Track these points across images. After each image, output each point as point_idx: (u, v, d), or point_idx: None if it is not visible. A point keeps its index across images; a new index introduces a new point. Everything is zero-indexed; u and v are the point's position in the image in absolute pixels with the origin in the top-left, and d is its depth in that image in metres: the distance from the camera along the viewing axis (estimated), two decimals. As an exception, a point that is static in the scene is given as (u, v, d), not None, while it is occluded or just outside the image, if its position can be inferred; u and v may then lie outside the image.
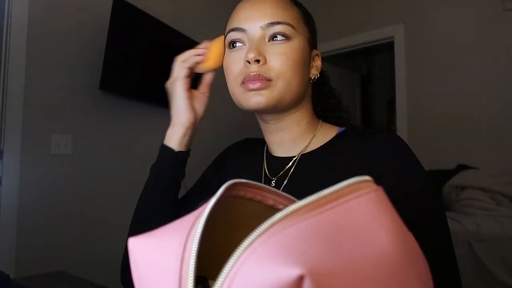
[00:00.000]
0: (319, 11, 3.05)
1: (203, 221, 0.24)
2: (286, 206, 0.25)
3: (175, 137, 0.69)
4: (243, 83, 0.61)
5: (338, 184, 0.26)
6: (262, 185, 0.32)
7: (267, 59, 0.60)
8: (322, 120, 0.72)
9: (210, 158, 0.85)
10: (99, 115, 2.10)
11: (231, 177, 0.31)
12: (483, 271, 1.83)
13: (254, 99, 0.60)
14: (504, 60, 2.48)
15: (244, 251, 0.20)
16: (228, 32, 0.65)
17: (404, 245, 0.25)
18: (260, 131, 0.73)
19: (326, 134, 0.68)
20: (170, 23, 2.34)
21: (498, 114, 2.48)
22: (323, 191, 0.25)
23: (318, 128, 0.69)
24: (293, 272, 0.19)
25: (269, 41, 0.61)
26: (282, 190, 0.42)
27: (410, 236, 0.27)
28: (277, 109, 0.64)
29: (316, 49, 0.69)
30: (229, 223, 0.32)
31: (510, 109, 2.43)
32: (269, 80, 0.60)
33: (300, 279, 0.19)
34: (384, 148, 0.58)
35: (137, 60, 2.21)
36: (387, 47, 3.20)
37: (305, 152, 0.66)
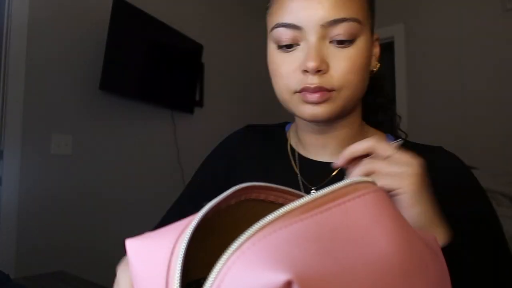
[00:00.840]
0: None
1: (194, 225, 0.23)
2: None
3: None
4: (299, 92, 0.50)
5: (335, 185, 0.25)
6: (277, 186, 0.30)
7: (329, 66, 0.49)
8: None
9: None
10: (99, 115, 2.09)
11: (249, 178, 0.28)
12: (483, 271, 1.83)
13: (310, 112, 0.50)
14: (504, 60, 2.47)
15: (232, 254, 0.19)
16: (275, 27, 0.50)
17: (408, 249, 0.23)
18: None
19: None
20: (170, 23, 2.34)
21: (498, 114, 2.47)
22: (318, 192, 0.24)
23: (367, 131, 0.60)
24: (280, 277, 0.18)
25: (330, 42, 0.49)
26: None
27: (417, 240, 0.25)
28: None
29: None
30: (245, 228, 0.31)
31: (510, 109, 2.43)
32: (330, 90, 0.49)
33: (288, 285, 0.18)
34: (446, 168, 0.53)
35: (137, 60, 2.21)
36: (387, 47, 3.19)
37: None
